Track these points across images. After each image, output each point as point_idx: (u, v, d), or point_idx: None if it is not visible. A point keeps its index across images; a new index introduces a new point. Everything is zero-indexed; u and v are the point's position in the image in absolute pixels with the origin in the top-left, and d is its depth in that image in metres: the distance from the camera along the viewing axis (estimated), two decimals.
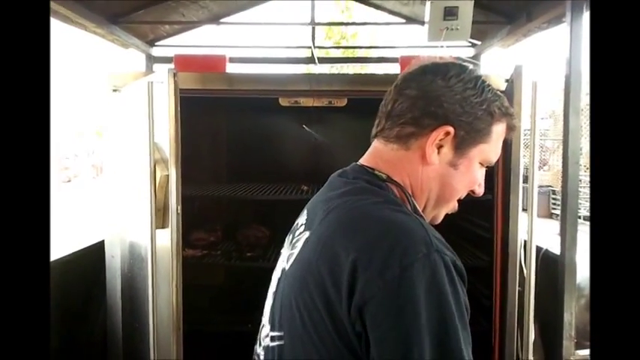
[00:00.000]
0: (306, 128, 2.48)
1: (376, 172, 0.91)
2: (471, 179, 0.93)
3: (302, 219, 0.98)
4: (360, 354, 0.76)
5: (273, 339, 0.90)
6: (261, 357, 0.93)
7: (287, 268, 0.91)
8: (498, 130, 0.92)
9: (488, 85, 0.91)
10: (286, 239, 1.00)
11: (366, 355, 0.75)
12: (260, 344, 0.96)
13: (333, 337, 0.77)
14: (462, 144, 0.89)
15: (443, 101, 0.87)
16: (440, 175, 0.91)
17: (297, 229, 0.96)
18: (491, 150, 0.92)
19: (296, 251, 0.90)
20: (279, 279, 0.93)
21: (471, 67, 0.93)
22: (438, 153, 0.89)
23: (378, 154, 0.95)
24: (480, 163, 0.93)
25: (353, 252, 0.76)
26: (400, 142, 0.91)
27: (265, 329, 0.94)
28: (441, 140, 0.88)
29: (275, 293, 0.94)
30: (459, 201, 0.97)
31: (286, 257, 0.94)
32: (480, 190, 0.96)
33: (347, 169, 0.97)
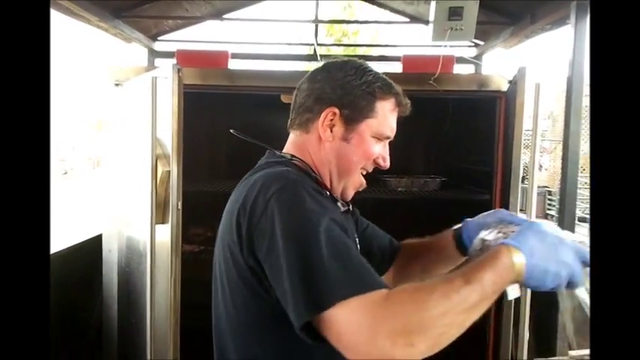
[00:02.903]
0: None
1: (283, 153, 1.12)
2: (365, 151, 1.06)
3: None
4: (259, 291, 0.91)
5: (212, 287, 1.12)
6: None
7: None
8: (384, 106, 1.06)
9: (370, 71, 1.07)
10: None
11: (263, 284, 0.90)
12: None
13: (237, 280, 0.94)
14: (350, 120, 1.05)
15: (326, 88, 1.06)
16: (336, 150, 1.06)
17: None
18: (380, 124, 1.06)
19: None
20: None
21: (356, 59, 1.10)
22: (331, 131, 1.05)
23: (290, 142, 1.14)
24: (376, 137, 1.07)
25: (239, 202, 0.94)
26: (302, 128, 1.10)
27: None
28: (331, 120, 1.05)
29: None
30: (365, 177, 1.11)
31: None
32: (384, 164, 1.10)
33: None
